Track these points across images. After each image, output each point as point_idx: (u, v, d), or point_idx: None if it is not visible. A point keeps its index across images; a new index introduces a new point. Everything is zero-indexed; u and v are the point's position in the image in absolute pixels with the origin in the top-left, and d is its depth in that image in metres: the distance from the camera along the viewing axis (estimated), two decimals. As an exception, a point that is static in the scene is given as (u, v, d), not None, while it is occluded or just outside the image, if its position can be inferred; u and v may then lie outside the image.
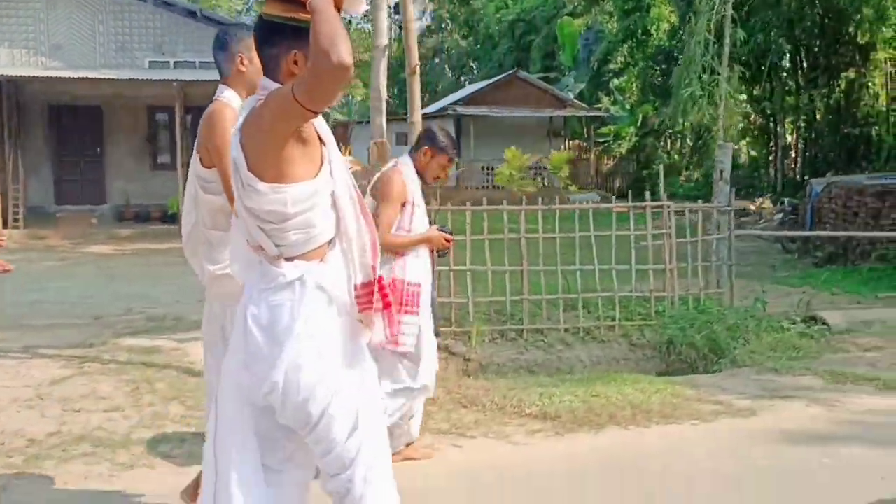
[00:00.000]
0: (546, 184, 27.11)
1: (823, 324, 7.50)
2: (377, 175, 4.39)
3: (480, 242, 7.82)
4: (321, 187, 2.34)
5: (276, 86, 2.31)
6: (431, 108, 30.50)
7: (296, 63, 2.32)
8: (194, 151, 3.29)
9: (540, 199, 8.28)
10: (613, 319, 8.01)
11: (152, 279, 11.63)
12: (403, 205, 4.19)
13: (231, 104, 3.17)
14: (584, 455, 4.61)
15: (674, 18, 24.30)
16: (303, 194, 2.30)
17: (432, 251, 4.36)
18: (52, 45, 18.85)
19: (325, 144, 2.38)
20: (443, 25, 46.76)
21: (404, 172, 4.24)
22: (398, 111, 40.08)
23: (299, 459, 2.49)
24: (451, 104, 27.60)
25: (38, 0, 18.74)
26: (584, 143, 29.97)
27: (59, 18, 18.93)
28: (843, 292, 10.20)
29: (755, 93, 22.79)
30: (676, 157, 30.01)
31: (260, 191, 2.28)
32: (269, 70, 2.37)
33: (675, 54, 22.94)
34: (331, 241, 2.41)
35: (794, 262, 13.42)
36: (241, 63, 3.22)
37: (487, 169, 25.75)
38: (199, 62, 19.08)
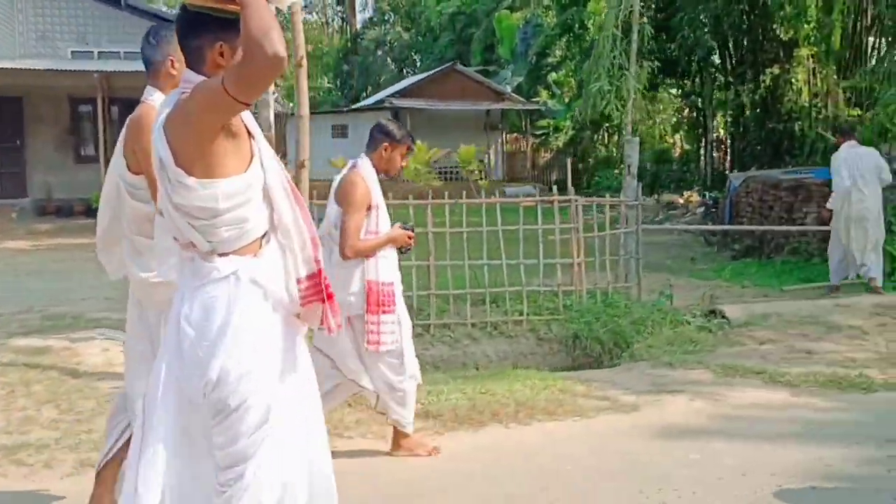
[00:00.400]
0: (483, 177, 27.18)
1: (723, 317, 7.60)
2: (337, 179, 4.34)
3: (386, 238, 7.73)
4: (252, 181, 2.30)
5: (200, 78, 2.26)
6: (369, 101, 30.34)
7: (222, 55, 2.29)
8: (119, 154, 3.19)
9: (446, 193, 8.23)
10: (521, 314, 8.01)
11: (63, 275, 11.32)
12: (369, 208, 4.17)
13: (158, 107, 3.08)
14: (463, 454, 4.57)
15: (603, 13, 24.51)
16: (234, 189, 2.26)
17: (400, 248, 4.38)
18: (-33, 33, 18.24)
19: (253, 137, 2.34)
20: (385, 17, 46.44)
21: (365, 175, 4.21)
22: (338, 103, 39.81)
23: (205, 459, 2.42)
24: (388, 96, 27.44)
25: (-47, -14, 18.12)
26: (523, 136, 30.13)
27: (-26, 6, 18.30)
28: (753, 285, 10.38)
29: (686, 87, 23.11)
30: (615, 149, 30.33)
31: (189, 186, 2.22)
32: (193, 62, 2.32)
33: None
34: (265, 236, 2.37)
35: (713, 255, 13.64)
36: (172, 66, 3.14)
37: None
38: (124, 53, 18.64)
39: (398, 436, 4.46)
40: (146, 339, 3.22)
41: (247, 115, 2.34)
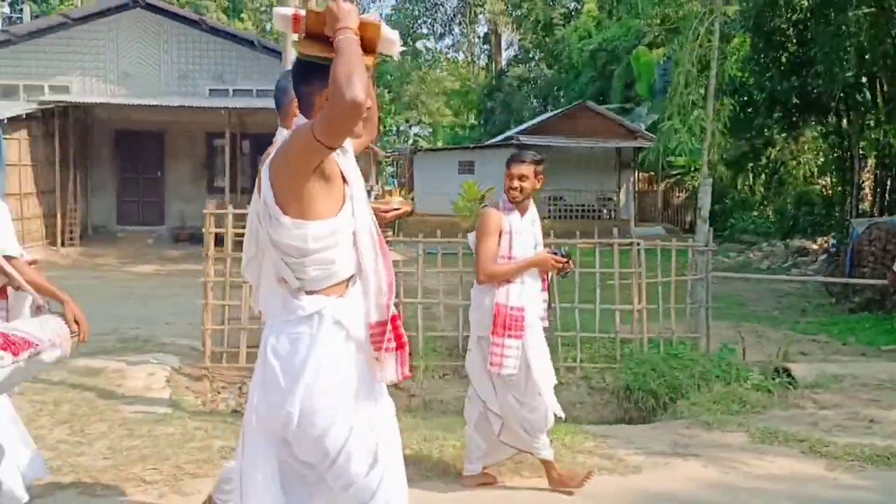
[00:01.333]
0: (612, 216, 26.55)
1: (789, 376, 6.93)
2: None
3: (433, 275, 7.65)
4: (341, 226, 2.40)
5: None
6: (498, 138, 30.48)
7: (328, 100, 2.37)
8: (258, 190, 3.36)
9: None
10: (575, 360, 7.66)
11: (166, 300, 11.95)
12: (501, 235, 4.32)
13: None
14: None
15: (745, 48, 23.31)
16: (322, 231, 2.36)
17: (555, 273, 4.49)
18: (120, 73, 19.86)
19: (347, 183, 2.44)
20: (529, 55, 46.67)
21: (499, 204, 4.44)
22: (481, 139, 40.22)
23: (322, 493, 2.52)
24: (516, 133, 27.42)
25: (110, 30, 19.80)
26: (657, 176, 29.22)
27: (127, 48, 19.93)
28: (857, 342, 9.44)
29: (830, 126, 21.62)
30: (761, 190, 28.82)
31: (283, 224, 2.35)
32: (304, 108, 2.48)
33: (746, 84, 22.11)
34: (351, 278, 2.46)
35: (829, 308, 12.55)
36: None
37: (552, 199, 25.44)
38: (257, 90, 19.67)
39: (549, 469, 4.56)
40: None
41: (345, 161, 2.41)
